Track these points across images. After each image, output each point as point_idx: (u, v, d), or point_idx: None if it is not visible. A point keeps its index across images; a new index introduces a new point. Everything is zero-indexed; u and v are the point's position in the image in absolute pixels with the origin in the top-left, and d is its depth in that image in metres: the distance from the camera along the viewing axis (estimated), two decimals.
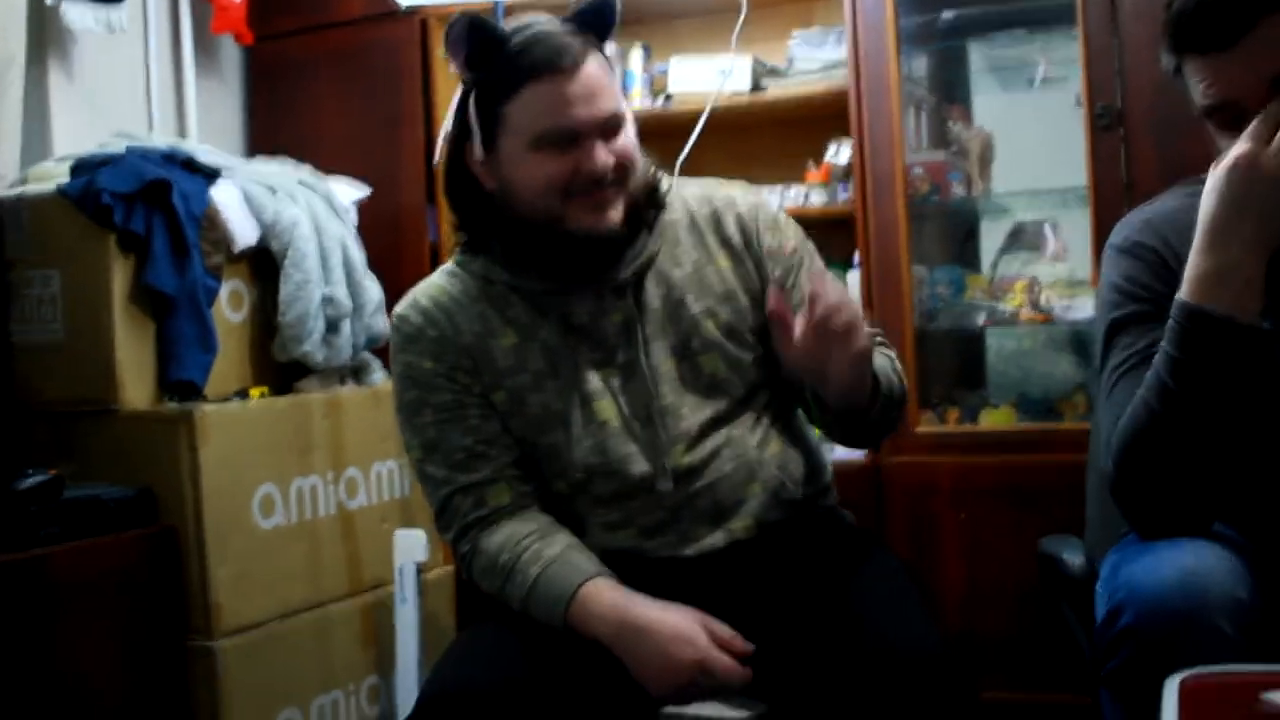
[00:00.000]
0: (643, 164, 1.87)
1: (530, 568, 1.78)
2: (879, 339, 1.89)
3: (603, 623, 1.72)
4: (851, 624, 1.67)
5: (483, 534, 1.84)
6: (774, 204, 2.01)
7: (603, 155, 1.77)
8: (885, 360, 1.87)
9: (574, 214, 1.79)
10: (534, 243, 1.84)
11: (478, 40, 1.78)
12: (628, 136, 1.83)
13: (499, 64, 1.78)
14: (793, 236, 1.96)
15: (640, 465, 1.83)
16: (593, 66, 1.78)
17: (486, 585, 1.84)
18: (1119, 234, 1.85)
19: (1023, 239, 3.58)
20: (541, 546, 1.79)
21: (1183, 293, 1.63)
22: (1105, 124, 3.04)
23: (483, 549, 1.83)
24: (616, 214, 1.81)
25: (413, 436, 1.89)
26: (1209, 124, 1.72)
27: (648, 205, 1.88)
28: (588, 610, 1.73)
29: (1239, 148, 1.61)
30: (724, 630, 1.69)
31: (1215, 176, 1.63)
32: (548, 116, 1.76)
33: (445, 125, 1.91)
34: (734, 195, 1.96)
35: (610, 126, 1.79)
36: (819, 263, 1.98)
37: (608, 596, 1.73)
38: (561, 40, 1.77)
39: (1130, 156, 3.02)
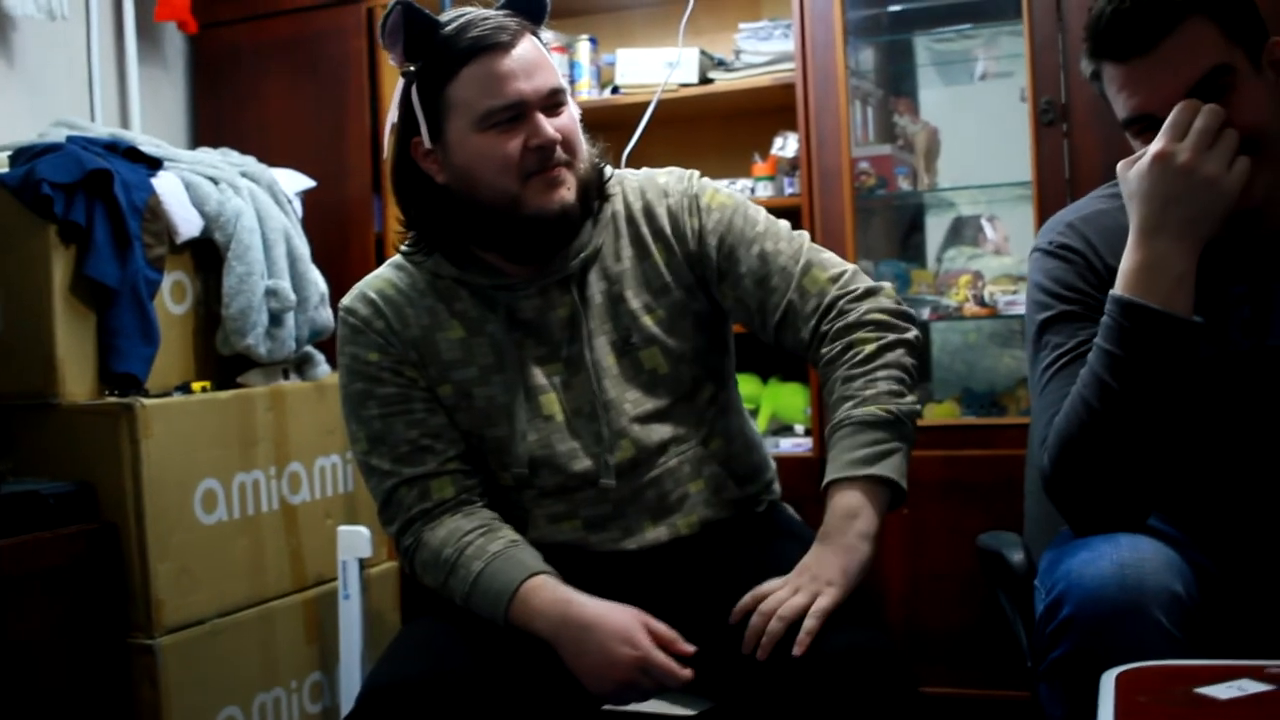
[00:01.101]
0: (589, 150, 1.87)
1: (473, 563, 1.77)
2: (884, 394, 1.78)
3: (544, 619, 1.72)
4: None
5: (426, 528, 1.83)
6: (697, 177, 1.96)
7: (549, 127, 1.77)
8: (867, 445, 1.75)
9: (529, 195, 1.78)
10: (488, 230, 1.83)
11: (413, 28, 1.78)
12: (571, 117, 1.83)
13: (437, 49, 1.78)
14: (718, 208, 1.91)
15: (584, 460, 1.83)
16: (529, 44, 1.79)
17: (429, 580, 1.84)
18: (1044, 237, 1.86)
19: (964, 233, 3.60)
20: (485, 542, 1.79)
21: (1116, 287, 1.65)
22: (1049, 119, 3.06)
23: (426, 543, 1.82)
24: (570, 192, 1.80)
25: (358, 428, 1.88)
26: (1128, 136, 1.74)
27: (596, 192, 1.88)
28: (529, 607, 1.73)
29: (1155, 145, 1.63)
30: (666, 630, 1.69)
31: (1134, 174, 1.66)
32: (490, 93, 1.76)
33: (389, 122, 1.89)
34: (667, 185, 1.94)
35: (553, 103, 1.79)
36: (757, 218, 1.90)
37: (549, 593, 1.73)
38: (497, 20, 1.78)
39: (1073, 152, 3.05)
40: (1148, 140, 1.67)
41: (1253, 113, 1.65)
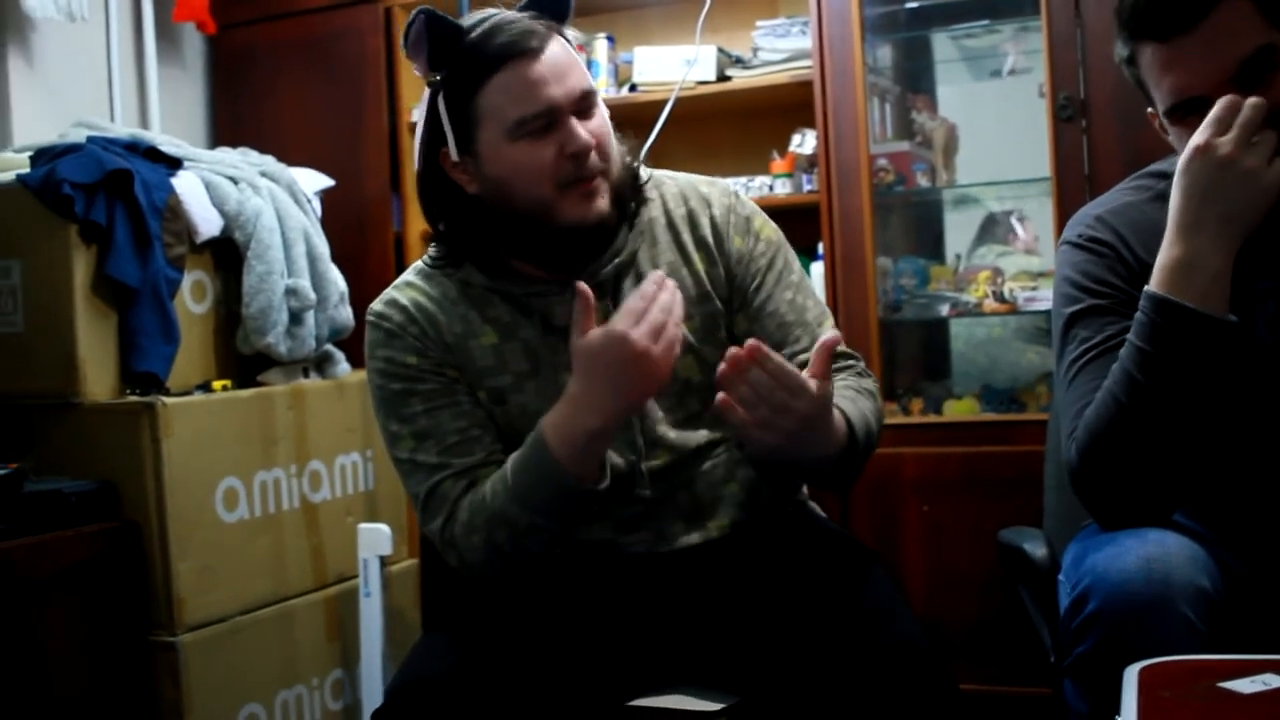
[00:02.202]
0: (620, 150, 1.83)
1: (495, 484, 1.74)
2: (855, 384, 1.84)
3: (578, 408, 1.67)
4: (835, 618, 1.66)
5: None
6: (745, 197, 1.96)
7: (583, 132, 1.73)
8: (859, 411, 1.77)
9: (565, 206, 1.75)
10: (523, 239, 1.80)
11: (438, 37, 1.73)
12: (603, 119, 1.79)
13: (463, 58, 1.74)
14: (765, 240, 1.91)
15: (618, 464, 1.79)
16: (558, 47, 1.75)
17: (475, 540, 1.75)
18: (1072, 230, 1.85)
19: (995, 231, 3.59)
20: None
21: (1152, 283, 1.64)
22: (1068, 115, 3.05)
23: (461, 508, 1.77)
24: (604, 201, 1.77)
25: (401, 427, 1.82)
26: (1169, 124, 1.72)
27: (630, 194, 1.85)
28: (560, 424, 1.68)
29: (1197, 138, 1.61)
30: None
31: (1179, 168, 1.64)
32: (522, 101, 1.72)
33: (418, 134, 1.84)
34: (710, 195, 1.92)
35: (584, 106, 1.76)
36: (795, 267, 1.93)
37: (560, 406, 1.69)
38: (523, 24, 1.74)
39: (1092, 147, 3.04)
40: (1192, 126, 1.64)
41: None
